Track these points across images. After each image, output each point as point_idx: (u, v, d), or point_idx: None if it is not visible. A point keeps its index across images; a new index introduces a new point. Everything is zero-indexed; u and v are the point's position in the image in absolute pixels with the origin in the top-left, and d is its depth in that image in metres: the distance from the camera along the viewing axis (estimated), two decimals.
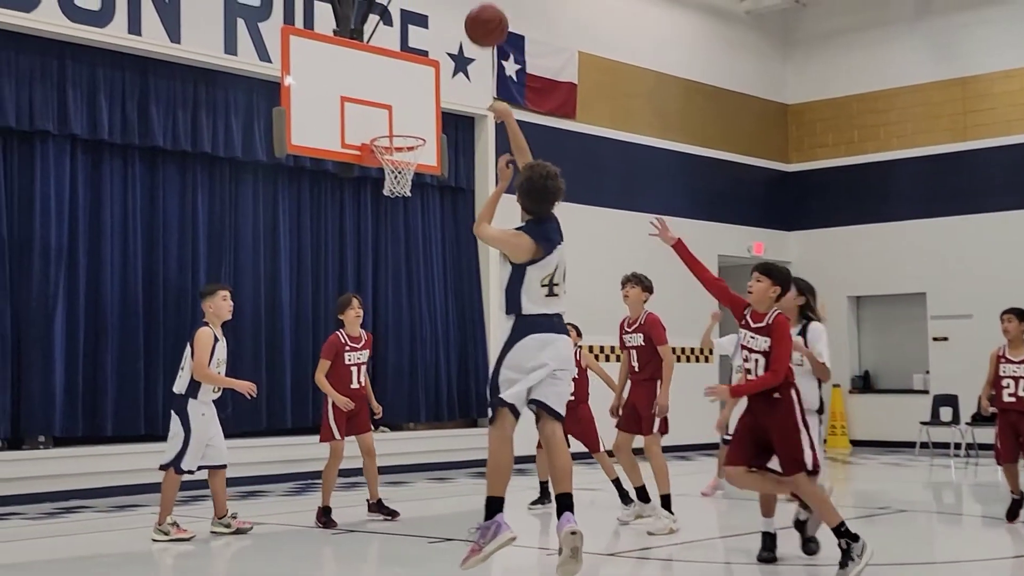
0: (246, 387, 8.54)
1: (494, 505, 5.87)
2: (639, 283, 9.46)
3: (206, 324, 8.46)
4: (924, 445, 16.35)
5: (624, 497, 9.29)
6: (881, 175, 18.18)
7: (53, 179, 11.23)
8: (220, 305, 8.55)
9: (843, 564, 6.28)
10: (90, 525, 9.54)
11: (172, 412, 8.38)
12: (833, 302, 18.58)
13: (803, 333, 7.13)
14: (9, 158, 11.10)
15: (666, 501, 8.54)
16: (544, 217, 6.20)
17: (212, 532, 8.57)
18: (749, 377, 6.60)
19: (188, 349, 8.38)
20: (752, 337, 6.62)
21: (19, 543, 8.77)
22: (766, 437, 6.52)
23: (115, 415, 11.49)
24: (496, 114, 6.82)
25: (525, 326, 5.97)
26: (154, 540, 8.21)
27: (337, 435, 9.02)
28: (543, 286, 6.02)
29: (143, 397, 11.63)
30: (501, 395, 5.92)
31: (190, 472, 8.33)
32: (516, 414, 5.95)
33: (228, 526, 8.52)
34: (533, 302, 6.00)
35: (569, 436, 7.83)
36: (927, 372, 17.52)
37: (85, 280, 11.47)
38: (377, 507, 9.24)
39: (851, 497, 11.13)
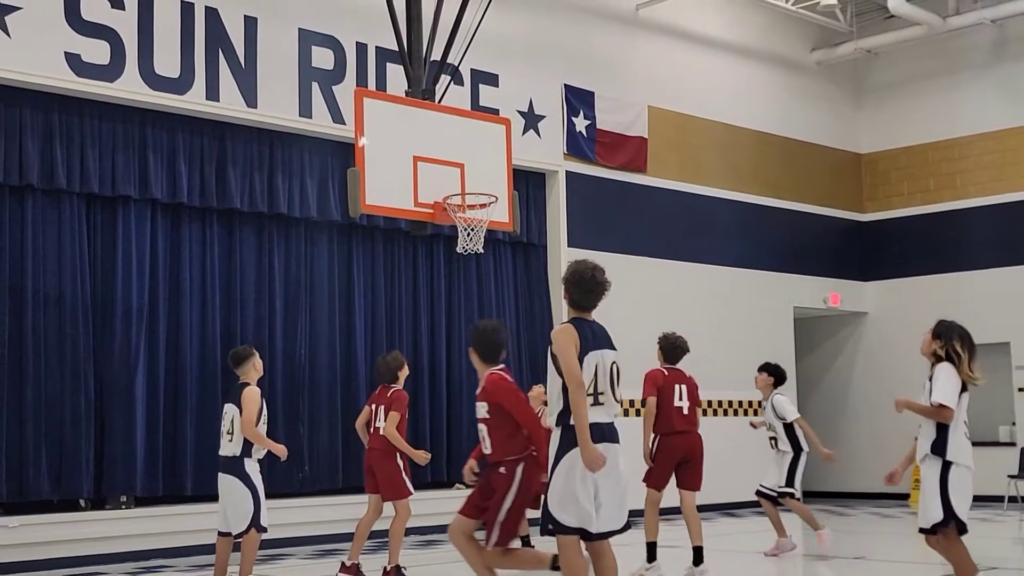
0: (280, 450, 8.49)
1: None
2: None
3: (246, 384, 8.45)
4: (1012, 499, 15.93)
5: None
6: (958, 223, 17.90)
7: (134, 242, 11.48)
8: (259, 363, 8.63)
9: None
10: None
11: (226, 476, 8.28)
12: (912, 353, 18.21)
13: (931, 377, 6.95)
14: (92, 222, 11.37)
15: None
16: (590, 312, 6.15)
17: None
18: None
19: (234, 411, 8.31)
20: (479, 404, 6.57)
21: None
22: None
23: (195, 474, 11.61)
24: None
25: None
26: None
27: (412, 489, 9.08)
28: (588, 395, 5.90)
29: None
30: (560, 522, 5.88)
31: (265, 529, 8.34)
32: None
33: None
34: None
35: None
36: (1013, 424, 17.11)
37: (165, 341, 11.66)
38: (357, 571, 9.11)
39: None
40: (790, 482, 10.68)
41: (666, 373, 9.42)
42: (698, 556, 9.09)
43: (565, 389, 5.89)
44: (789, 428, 10.65)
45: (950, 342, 6.84)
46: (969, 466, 6.77)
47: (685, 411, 9.34)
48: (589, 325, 6.06)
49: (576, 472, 5.81)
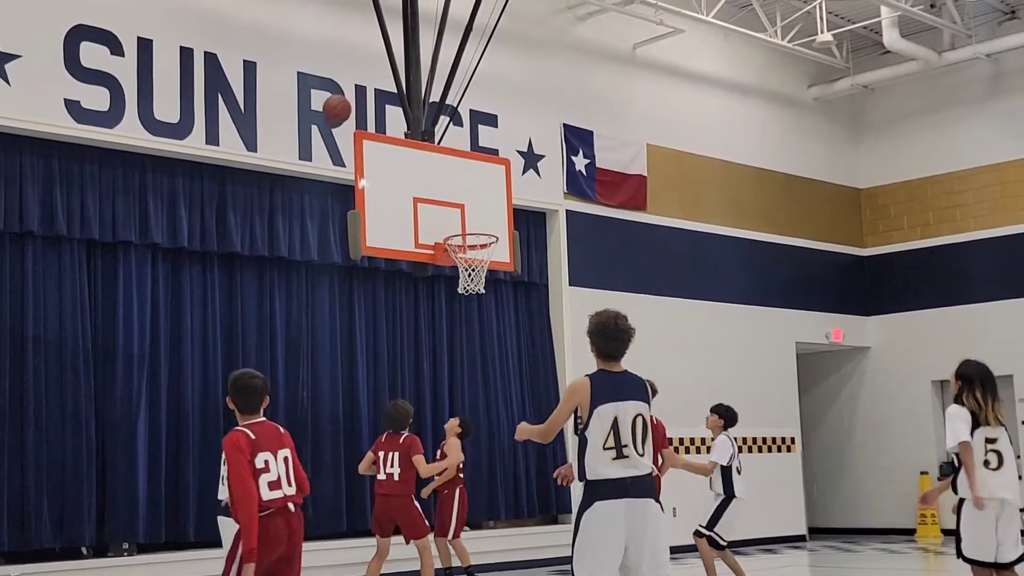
0: None
1: None
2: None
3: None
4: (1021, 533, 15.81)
5: None
6: (959, 257, 17.91)
7: (135, 287, 11.47)
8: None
9: None
10: None
11: (225, 519, 8.27)
12: (915, 387, 18.24)
13: None
14: (93, 268, 11.37)
15: None
16: (617, 363, 5.99)
17: None
18: None
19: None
20: None
21: None
22: None
23: (197, 520, 11.53)
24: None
25: (594, 492, 5.71)
26: None
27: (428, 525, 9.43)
28: (606, 449, 5.71)
29: None
30: None
31: None
32: None
33: None
34: (601, 464, 5.72)
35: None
36: (1018, 457, 17.01)
37: (167, 386, 11.62)
38: None
39: None
40: (712, 525, 10.50)
41: None
42: None
43: (583, 445, 5.76)
44: (726, 471, 10.50)
45: (972, 392, 7.04)
46: (982, 497, 6.88)
47: None
48: (611, 376, 5.90)
49: (595, 529, 5.65)
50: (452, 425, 11.19)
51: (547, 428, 5.99)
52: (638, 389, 5.91)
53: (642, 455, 5.76)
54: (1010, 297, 17.28)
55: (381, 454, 9.75)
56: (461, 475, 11.11)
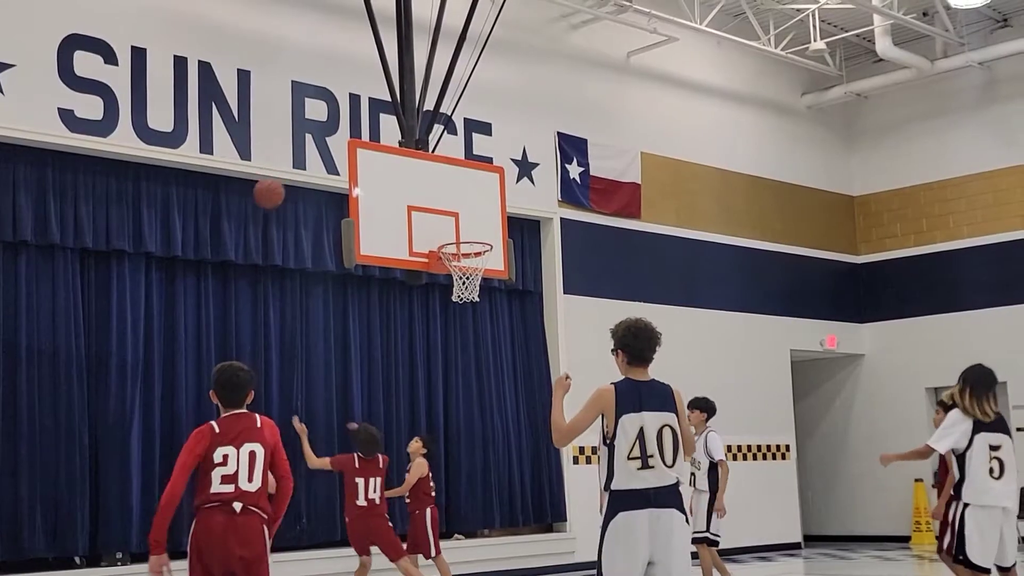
0: None
1: None
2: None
3: None
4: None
5: None
6: (952, 264, 17.95)
7: (129, 296, 11.46)
8: None
9: None
10: None
11: None
12: (909, 395, 18.26)
13: None
14: (87, 277, 11.35)
15: None
16: (644, 369, 5.86)
17: None
18: None
19: None
20: None
21: None
22: None
23: (191, 530, 11.49)
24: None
25: (616, 502, 5.63)
26: None
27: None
28: (631, 459, 5.61)
29: None
30: None
31: None
32: None
33: None
34: (626, 474, 5.63)
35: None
36: None
37: (160, 395, 11.60)
38: None
39: None
40: (708, 525, 10.44)
41: None
42: None
43: (609, 455, 5.68)
44: (712, 468, 10.50)
45: (956, 388, 7.18)
46: (986, 504, 6.99)
47: None
48: (637, 385, 5.78)
49: (619, 539, 5.58)
50: (416, 448, 11.10)
51: (567, 431, 5.76)
52: (665, 399, 5.79)
53: (671, 466, 5.68)
54: (1004, 304, 17.31)
55: (360, 481, 9.99)
56: (433, 495, 11.07)
